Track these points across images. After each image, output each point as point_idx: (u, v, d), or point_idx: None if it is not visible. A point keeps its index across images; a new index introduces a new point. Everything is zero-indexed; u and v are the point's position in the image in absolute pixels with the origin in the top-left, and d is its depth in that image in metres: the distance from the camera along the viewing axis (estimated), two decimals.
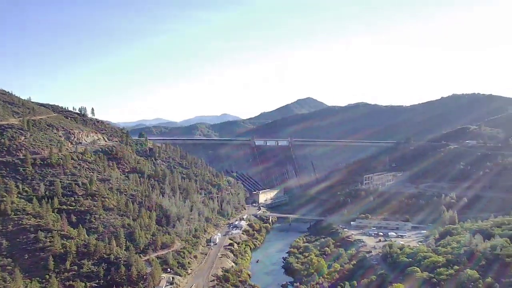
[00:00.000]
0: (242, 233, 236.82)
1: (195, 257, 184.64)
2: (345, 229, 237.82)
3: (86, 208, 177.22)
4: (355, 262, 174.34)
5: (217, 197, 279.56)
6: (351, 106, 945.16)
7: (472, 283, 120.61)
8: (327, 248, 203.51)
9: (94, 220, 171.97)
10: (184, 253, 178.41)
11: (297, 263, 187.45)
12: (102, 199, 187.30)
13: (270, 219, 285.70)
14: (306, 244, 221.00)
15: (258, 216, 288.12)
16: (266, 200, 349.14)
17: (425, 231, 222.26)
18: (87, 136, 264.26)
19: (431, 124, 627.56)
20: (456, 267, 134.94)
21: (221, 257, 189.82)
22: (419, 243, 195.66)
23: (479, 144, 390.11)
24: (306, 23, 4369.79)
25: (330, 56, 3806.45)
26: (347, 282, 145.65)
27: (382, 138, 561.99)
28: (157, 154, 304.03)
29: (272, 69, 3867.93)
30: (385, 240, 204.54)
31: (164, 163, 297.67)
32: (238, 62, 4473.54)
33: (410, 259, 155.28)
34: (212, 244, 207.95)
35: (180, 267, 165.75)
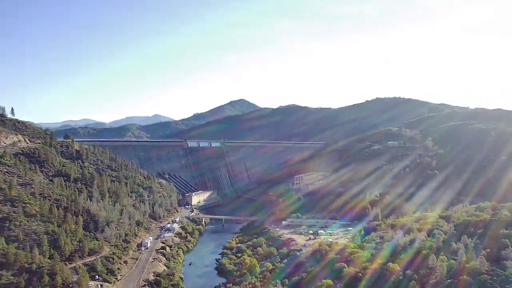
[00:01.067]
0: (175, 236, 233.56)
1: (125, 262, 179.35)
2: (277, 229, 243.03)
3: (5, 214, 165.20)
4: (286, 261, 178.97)
5: (149, 200, 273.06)
6: (282, 108, 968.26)
7: (393, 275, 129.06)
8: (259, 248, 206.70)
9: (14, 228, 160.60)
10: (113, 258, 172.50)
11: (230, 264, 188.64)
12: (23, 204, 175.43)
13: (203, 221, 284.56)
14: (239, 244, 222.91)
15: (191, 218, 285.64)
16: (199, 202, 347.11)
17: (352, 228, 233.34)
18: (6, 138, 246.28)
19: (357, 125, 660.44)
20: (379, 261, 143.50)
21: (152, 261, 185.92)
22: (347, 239, 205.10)
23: (400, 144, 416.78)
24: (233, 25, 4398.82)
25: (262, 58, 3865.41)
26: (278, 281, 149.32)
27: (312, 139, 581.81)
28: (85, 157, 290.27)
29: (205, 69, 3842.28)
30: (315, 238, 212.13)
31: (92, 166, 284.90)
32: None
33: (339, 255, 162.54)
34: (143, 248, 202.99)
35: (109, 274, 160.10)
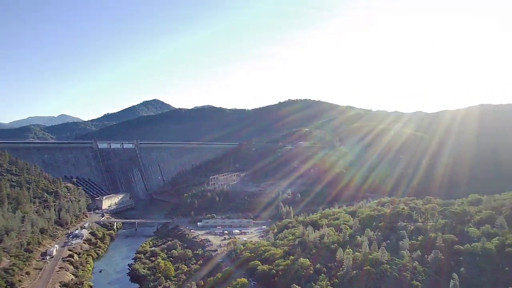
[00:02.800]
0: (83, 243, 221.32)
1: (28, 273, 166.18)
2: (192, 230, 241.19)
3: None
4: (201, 262, 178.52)
5: (54, 205, 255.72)
6: (197, 109, 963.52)
7: (305, 270, 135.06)
8: (174, 250, 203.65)
9: None
10: (13, 270, 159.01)
11: (144, 269, 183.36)
12: None
13: (115, 226, 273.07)
14: (153, 248, 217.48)
15: (101, 223, 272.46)
16: (110, 206, 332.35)
17: (265, 227, 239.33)
18: None
19: (270, 126, 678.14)
20: (291, 257, 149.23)
21: (59, 271, 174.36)
22: (260, 238, 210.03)
23: (310, 145, 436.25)
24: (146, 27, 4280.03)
25: (174, 58, 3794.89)
26: (193, 283, 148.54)
27: (227, 140, 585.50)
28: None
29: (117, 70, 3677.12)
30: (230, 238, 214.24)
31: None
32: None
33: (253, 254, 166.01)
34: (48, 257, 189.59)
35: (9, 287, 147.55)
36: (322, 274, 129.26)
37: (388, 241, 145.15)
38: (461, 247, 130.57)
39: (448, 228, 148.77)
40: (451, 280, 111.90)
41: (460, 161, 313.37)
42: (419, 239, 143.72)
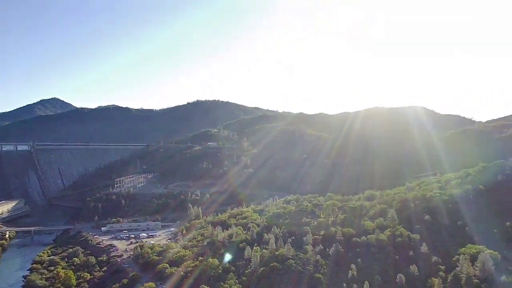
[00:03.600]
0: None
1: None
2: (95, 236, 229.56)
3: None
4: (106, 269, 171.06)
5: None
6: (102, 109, 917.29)
7: (214, 270, 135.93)
8: (76, 258, 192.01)
9: None
10: None
11: (41, 280, 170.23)
12: None
13: (7, 235, 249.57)
14: (51, 257, 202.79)
15: None
16: (2, 214, 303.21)
17: (174, 229, 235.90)
18: None
19: (179, 127, 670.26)
20: (201, 258, 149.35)
21: None
22: (169, 240, 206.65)
23: (219, 145, 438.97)
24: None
25: (74, 55, 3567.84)
26: None
27: (134, 141, 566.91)
28: None
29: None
30: (137, 242, 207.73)
31: None
32: None
33: (161, 257, 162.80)
34: None
35: None
36: (231, 273, 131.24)
37: (293, 237, 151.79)
38: (358, 239, 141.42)
39: (347, 222, 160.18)
40: (349, 270, 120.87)
41: (360, 160, 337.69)
42: (321, 233, 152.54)
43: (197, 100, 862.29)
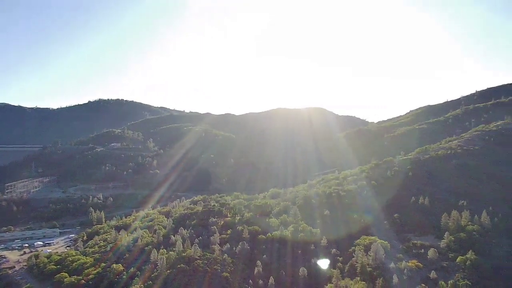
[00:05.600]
0: None
1: None
2: None
3: None
4: None
5: None
6: None
7: (117, 276, 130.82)
8: None
9: None
10: None
11: None
12: None
13: None
14: None
15: None
16: None
17: (74, 235, 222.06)
18: None
19: (80, 127, 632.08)
20: (103, 264, 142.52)
21: None
22: (68, 248, 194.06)
23: (123, 146, 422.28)
24: None
25: None
26: None
27: (28, 142, 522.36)
28: None
29: None
30: (31, 252, 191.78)
31: None
32: None
33: (59, 266, 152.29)
34: None
35: None
36: (136, 278, 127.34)
37: (201, 237, 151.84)
38: (264, 236, 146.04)
39: (253, 220, 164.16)
40: (256, 267, 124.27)
41: (265, 159, 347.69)
42: (228, 233, 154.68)
43: (100, 99, 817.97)
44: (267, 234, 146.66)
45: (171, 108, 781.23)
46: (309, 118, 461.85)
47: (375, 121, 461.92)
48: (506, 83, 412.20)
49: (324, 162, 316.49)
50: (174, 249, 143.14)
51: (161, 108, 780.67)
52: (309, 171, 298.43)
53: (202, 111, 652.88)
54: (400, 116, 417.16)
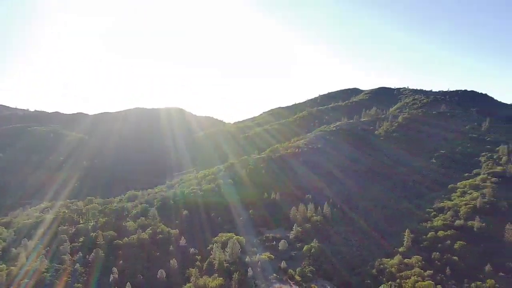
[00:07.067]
0: None
1: None
2: None
3: None
4: None
5: None
6: None
7: None
8: None
9: None
10: None
11: None
12: None
13: None
14: None
15: None
16: None
17: None
18: None
19: None
20: None
21: None
22: None
23: None
24: None
25: None
26: None
27: None
28: None
29: None
30: None
31: None
32: None
33: None
34: None
35: None
36: None
37: (48, 248, 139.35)
38: (120, 241, 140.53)
39: (108, 225, 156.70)
40: (111, 274, 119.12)
41: (121, 160, 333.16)
42: (80, 240, 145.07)
43: None
44: (124, 239, 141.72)
45: (13, 106, 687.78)
46: (168, 118, 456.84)
47: (232, 122, 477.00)
48: (343, 88, 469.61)
49: (184, 162, 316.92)
50: (16, 263, 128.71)
51: (1, 106, 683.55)
52: (169, 171, 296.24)
53: (50, 110, 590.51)
54: (255, 117, 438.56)
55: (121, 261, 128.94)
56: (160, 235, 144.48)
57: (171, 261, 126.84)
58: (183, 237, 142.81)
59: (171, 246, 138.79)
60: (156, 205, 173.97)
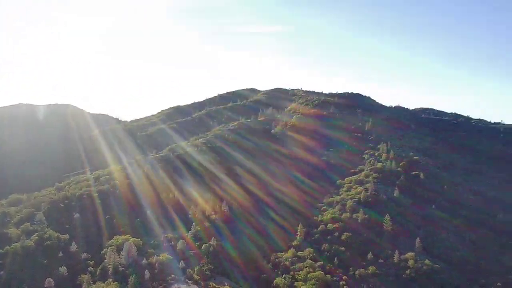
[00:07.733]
0: None
1: None
2: None
3: None
4: None
5: None
6: None
7: None
8: None
9: None
10: None
11: None
12: None
13: None
14: None
15: None
16: None
17: None
18: None
19: None
20: None
21: None
22: None
23: None
24: None
25: None
26: None
27: None
28: None
29: None
30: None
31: None
32: None
33: None
34: None
35: None
36: None
37: None
38: (1, 249, 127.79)
39: None
40: None
41: (6, 160, 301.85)
42: None
43: None
44: (5, 247, 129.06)
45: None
46: (57, 115, 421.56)
47: (128, 120, 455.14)
48: (242, 88, 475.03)
49: (77, 162, 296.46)
50: None
51: None
52: (60, 172, 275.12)
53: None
54: (152, 115, 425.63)
55: (1, 272, 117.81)
56: (48, 241, 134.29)
57: (60, 268, 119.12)
58: (74, 242, 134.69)
59: (61, 252, 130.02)
60: (44, 209, 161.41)
